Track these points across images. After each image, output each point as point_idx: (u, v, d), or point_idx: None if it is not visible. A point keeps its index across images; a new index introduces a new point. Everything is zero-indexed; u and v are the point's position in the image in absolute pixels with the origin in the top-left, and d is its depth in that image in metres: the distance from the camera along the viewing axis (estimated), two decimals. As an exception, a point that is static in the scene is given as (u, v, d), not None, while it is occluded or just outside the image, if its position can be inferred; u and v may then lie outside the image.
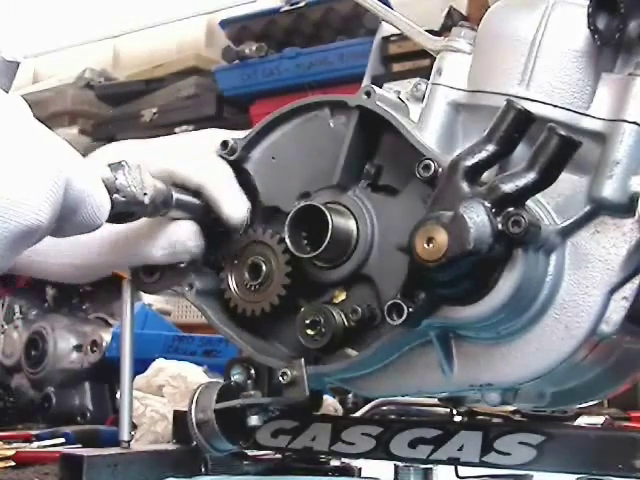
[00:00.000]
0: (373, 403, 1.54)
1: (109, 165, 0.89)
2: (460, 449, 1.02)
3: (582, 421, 1.43)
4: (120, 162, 0.89)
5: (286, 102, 1.04)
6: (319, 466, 1.17)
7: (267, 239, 1.01)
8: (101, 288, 2.03)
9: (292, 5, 3.79)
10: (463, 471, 1.05)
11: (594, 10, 0.89)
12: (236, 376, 1.03)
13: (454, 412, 1.27)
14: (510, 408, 1.37)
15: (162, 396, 1.46)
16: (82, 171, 0.83)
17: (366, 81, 3.40)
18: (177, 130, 3.81)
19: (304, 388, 0.96)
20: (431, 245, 0.84)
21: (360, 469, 1.17)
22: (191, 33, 4.57)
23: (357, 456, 1.10)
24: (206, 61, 4.09)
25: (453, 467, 1.05)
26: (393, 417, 1.40)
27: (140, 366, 1.50)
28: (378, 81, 3.35)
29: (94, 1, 4.71)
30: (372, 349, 0.94)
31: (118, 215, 0.89)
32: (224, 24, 3.95)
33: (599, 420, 1.43)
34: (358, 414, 1.49)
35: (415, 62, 3.21)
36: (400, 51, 3.35)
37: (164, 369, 1.50)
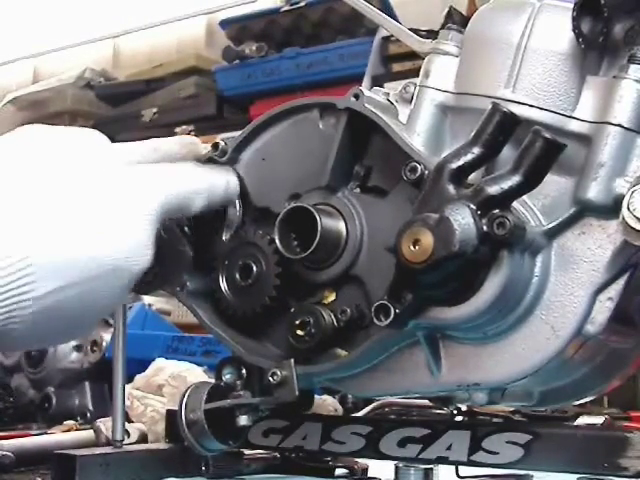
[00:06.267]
0: (374, 404, 1.55)
1: None
2: (449, 448, 1.02)
3: (582, 421, 1.43)
4: None
5: (286, 102, 1.05)
6: (322, 465, 1.18)
7: (257, 240, 1.01)
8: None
9: (292, 5, 3.80)
10: (463, 471, 1.06)
11: (578, 13, 0.90)
12: (227, 376, 1.04)
13: (454, 412, 1.28)
14: (510, 408, 1.38)
15: (162, 396, 1.47)
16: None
17: (366, 81, 3.40)
18: (177, 130, 3.82)
19: (294, 388, 0.97)
20: (417, 247, 0.85)
21: (366, 469, 1.18)
22: (191, 33, 4.58)
23: (347, 455, 1.10)
24: (206, 61, 4.11)
25: (454, 467, 1.05)
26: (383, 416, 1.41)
27: (140, 366, 1.51)
28: (378, 81, 3.35)
29: (94, 1, 4.72)
30: (361, 349, 0.95)
31: None
32: (224, 24, 3.96)
33: (599, 420, 1.43)
34: (360, 414, 1.50)
35: (415, 62, 3.21)
36: (400, 51, 3.35)
37: (164, 369, 1.51)
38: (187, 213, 0.96)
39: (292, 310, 1.00)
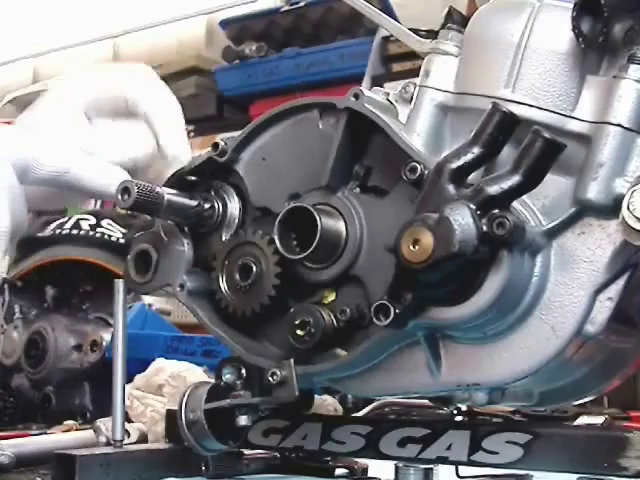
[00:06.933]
0: (374, 404, 1.55)
1: None
2: (449, 448, 1.02)
3: (582, 421, 1.43)
4: None
5: (286, 102, 1.05)
6: (322, 465, 1.18)
7: (257, 240, 1.01)
8: (101, 288, 2.03)
9: (292, 5, 3.80)
10: (463, 471, 1.06)
11: (578, 13, 0.90)
12: (227, 376, 1.04)
13: (454, 412, 1.28)
14: (510, 408, 1.38)
15: (162, 396, 1.47)
16: None
17: (366, 81, 3.40)
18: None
19: (293, 388, 0.97)
20: (417, 247, 0.85)
21: (366, 469, 1.18)
22: (191, 33, 4.59)
23: (347, 455, 1.10)
24: (206, 61, 4.11)
25: (454, 467, 1.05)
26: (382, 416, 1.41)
27: (140, 366, 1.51)
28: (378, 81, 3.35)
29: (94, 1, 4.73)
30: (360, 349, 0.95)
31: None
32: (224, 24, 3.97)
33: (599, 420, 1.43)
34: (360, 414, 1.50)
35: (415, 62, 3.20)
36: (400, 51, 3.36)
37: (164, 369, 1.51)
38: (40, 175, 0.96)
39: (292, 310, 1.00)
